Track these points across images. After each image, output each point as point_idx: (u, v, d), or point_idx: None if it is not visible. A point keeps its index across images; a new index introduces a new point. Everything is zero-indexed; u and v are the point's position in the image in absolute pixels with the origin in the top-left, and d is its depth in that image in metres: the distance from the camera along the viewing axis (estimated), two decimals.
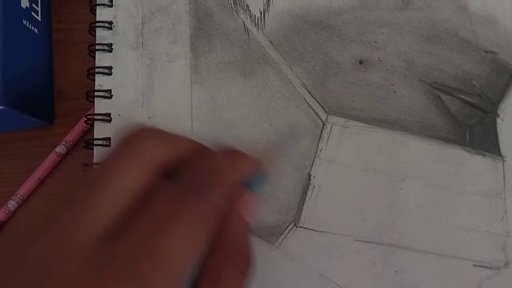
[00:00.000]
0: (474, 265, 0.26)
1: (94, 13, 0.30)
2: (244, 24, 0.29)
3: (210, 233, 0.17)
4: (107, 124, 0.28)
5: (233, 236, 0.20)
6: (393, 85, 0.28)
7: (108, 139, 0.28)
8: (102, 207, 0.16)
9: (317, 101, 0.28)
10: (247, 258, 0.20)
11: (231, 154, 0.21)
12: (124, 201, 0.16)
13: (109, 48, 0.29)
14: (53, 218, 0.16)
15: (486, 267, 0.26)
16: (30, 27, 0.30)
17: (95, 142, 0.27)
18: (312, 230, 0.26)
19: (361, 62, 0.29)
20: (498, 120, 0.28)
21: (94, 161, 0.27)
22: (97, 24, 0.29)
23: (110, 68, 0.29)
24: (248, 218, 0.21)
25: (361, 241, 0.26)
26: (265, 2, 0.30)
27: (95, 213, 0.16)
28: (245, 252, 0.20)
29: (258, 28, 0.29)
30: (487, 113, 0.28)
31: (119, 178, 0.17)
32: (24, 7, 0.30)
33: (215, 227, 0.18)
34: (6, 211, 0.30)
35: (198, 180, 0.18)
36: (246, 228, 0.21)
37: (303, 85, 0.28)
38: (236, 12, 0.30)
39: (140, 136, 0.18)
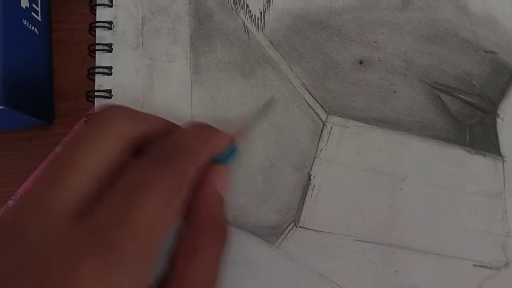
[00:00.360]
0: (474, 265, 0.26)
1: (94, 13, 0.30)
2: (244, 24, 0.29)
3: (182, 203, 0.17)
4: None
5: (207, 208, 0.20)
6: (393, 85, 0.28)
7: None
8: (73, 183, 0.16)
9: (317, 101, 0.28)
10: (223, 228, 0.20)
11: (202, 129, 0.21)
12: (94, 177, 0.16)
13: (109, 48, 0.29)
14: (27, 198, 0.16)
15: (486, 267, 0.26)
16: (30, 27, 0.30)
17: None
18: (312, 230, 0.26)
19: (361, 62, 0.29)
20: (498, 120, 0.28)
21: None
22: (97, 24, 0.29)
23: (110, 68, 0.29)
24: (222, 191, 0.21)
25: (361, 241, 0.26)
26: (265, 2, 0.30)
27: (67, 190, 0.16)
28: (221, 222, 0.20)
29: (258, 28, 0.29)
30: (487, 113, 0.28)
31: (89, 154, 0.17)
32: (24, 7, 0.30)
33: (187, 198, 0.18)
34: None
35: (168, 153, 0.18)
36: (221, 200, 0.21)
37: (303, 85, 0.28)
38: (236, 12, 0.30)
39: (108, 113, 0.19)
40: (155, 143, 0.19)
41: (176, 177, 0.17)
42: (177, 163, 0.18)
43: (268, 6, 0.30)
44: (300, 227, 0.27)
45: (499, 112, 0.28)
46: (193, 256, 0.18)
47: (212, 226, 0.20)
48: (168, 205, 0.16)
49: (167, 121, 0.21)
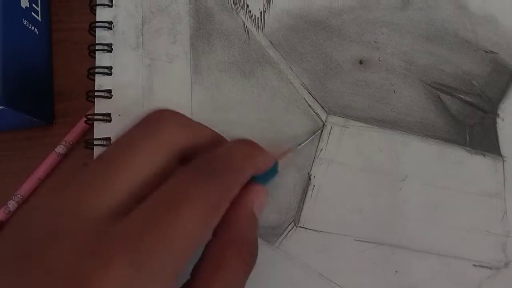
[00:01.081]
0: (474, 265, 0.26)
1: (94, 13, 0.30)
2: (244, 24, 0.29)
3: (220, 216, 0.17)
4: (107, 124, 0.28)
5: (240, 226, 0.19)
6: (393, 85, 0.28)
7: (108, 139, 0.28)
8: (118, 182, 0.16)
9: (317, 101, 0.28)
10: (253, 249, 0.20)
11: (249, 146, 0.21)
12: (140, 179, 0.16)
13: (109, 48, 0.29)
14: (70, 189, 0.16)
15: (486, 267, 0.26)
16: (30, 27, 0.30)
17: (95, 142, 0.27)
18: (312, 230, 0.26)
19: (361, 62, 0.29)
20: (498, 120, 0.28)
21: None
22: (97, 24, 0.29)
23: (110, 68, 0.29)
24: (258, 211, 0.20)
25: (361, 241, 0.26)
26: (265, 2, 0.30)
27: (111, 187, 0.16)
28: (251, 242, 0.20)
29: (258, 28, 0.29)
30: (487, 113, 0.28)
31: (138, 157, 0.17)
32: (24, 7, 0.30)
33: (223, 213, 0.18)
34: (6, 211, 0.30)
35: (214, 165, 0.18)
36: (255, 220, 0.20)
37: (303, 85, 0.28)
38: (236, 12, 0.30)
39: (161, 117, 0.18)
40: (202, 154, 0.18)
41: (220, 190, 0.17)
42: (222, 176, 0.17)
43: (268, 6, 0.30)
44: (300, 227, 0.27)
45: (499, 112, 0.28)
46: (217, 270, 0.18)
47: (241, 244, 0.19)
48: (208, 218, 0.16)
49: (216, 133, 0.21)
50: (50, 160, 0.31)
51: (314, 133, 0.28)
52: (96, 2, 0.30)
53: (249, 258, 0.19)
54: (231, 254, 0.19)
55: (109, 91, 0.28)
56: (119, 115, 0.28)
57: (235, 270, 0.18)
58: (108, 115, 0.28)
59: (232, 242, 0.19)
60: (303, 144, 0.27)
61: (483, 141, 0.28)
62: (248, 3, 0.30)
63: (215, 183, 0.17)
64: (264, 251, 0.26)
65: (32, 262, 0.14)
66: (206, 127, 0.20)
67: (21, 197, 0.30)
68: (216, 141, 0.20)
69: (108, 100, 0.28)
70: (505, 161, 0.27)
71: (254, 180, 0.21)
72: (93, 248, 0.14)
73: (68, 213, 0.15)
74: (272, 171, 0.22)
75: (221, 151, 0.19)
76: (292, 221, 0.27)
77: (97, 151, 0.27)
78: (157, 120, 0.18)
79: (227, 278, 0.18)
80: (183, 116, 0.19)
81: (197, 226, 0.16)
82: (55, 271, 0.14)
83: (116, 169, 0.16)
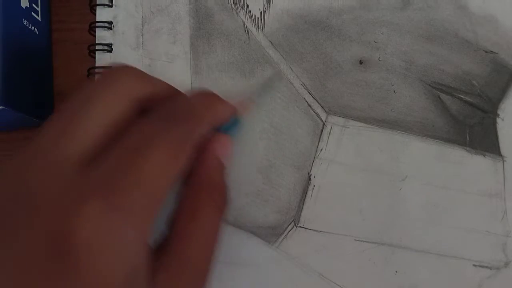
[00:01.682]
0: (474, 265, 0.26)
1: (94, 13, 0.30)
2: (244, 24, 0.29)
3: (186, 162, 0.18)
4: None
5: (208, 173, 0.20)
6: (393, 85, 0.28)
7: None
8: (80, 134, 0.16)
9: (317, 101, 0.28)
10: (223, 192, 0.21)
11: (207, 96, 0.21)
12: (101, 130, 0.17)
13: (109, 48, 0.29)
14: (34, 144, 0.16)
15: (486, 267, 0.26)
16: (30, 27, 0.30)
17: None
18: (312, 230, 0.26)
19: (361, 62, 0.29)
20: (498, 120, 0.28)
21: None
22: (97, 24, 0.29)
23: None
24: (223, 158, 0.21)
25: (361, 241, 0.26)
26: (265, 2, 0.30)
27: (73, 139, 0.16)
28: (220, 187, 0.21)
29: (258, 28, 0.29)
30: (487, 113, 0.28)
31: (98, 108, 0.17)
32: (24, 7, 0.30)
33: (190, 160, 0.18)
34: None
35: (174, 113, 0.19)
36: (221, 166, 0.21)
37: (303, 85, 0.28)
38: (236, 12, 0.30)
39: (118, 71, 0.19)
40: (161, 104, 0.19)
41: (182, 133, 0.18)
42: (183, 123, 0.18)
43: (268, 6, 0.30)
44: (300, 227, 0.27)
45: (499, 112, 0.28)
46: (192, 219, 0.19)
47: (211, 190, 0.20)
48: (173, 158, 0.17)
49: (173, 87, 0.22)
50: None
51: (314, 133, 0.28)
52: (96, 2, 0.30)
53: (220, 201, 0.20)
54: (202, 199, 0.19)
55: None
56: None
57: (209, 215, 0.19)
58: None
59: (202, 188, 0.20)
60: (262, 96, 0.27)
61: (483, 141, 0.28)
62: (248, 3, 0.30)
63: (177, 129, 0.18)
64: (264, 251, 0.26)
65: (11, 222, 0.15)
66: (164, 81, 0.21)
67: None
68: (174, 94, 0.21)
69: None
70: (505, 161, 0.27)
71: (221, 131, 0.21)
72: (69, 195, 0.15)
73: (37, 163, 0.16)
74: (235, 123, 0.23)
75: (181, 100, 0.20)
76: (292, 221, 0.27)
77: None
78: (116, 73, 0.19)
79: (202, 225, 0.19)
80: (139, 70, 0.20)
81: (164, 169, 0.16)
82: (36, 227, 0.14)
83: (79, 119, 0.17)
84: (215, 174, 0.21)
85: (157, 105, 0.19)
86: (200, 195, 0.19)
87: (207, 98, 0.21)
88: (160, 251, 0.18)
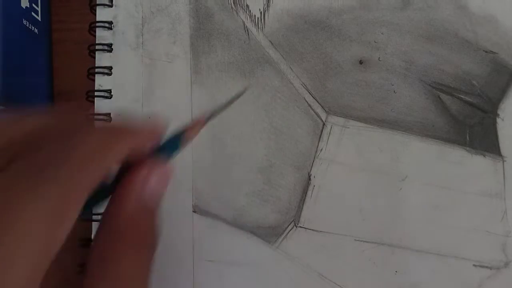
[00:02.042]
0: (474, 265, 0.26)
1: (94, 13, 0.30)
2: (244, 24, 0.29)
3: (67, 226, 0.14)
4: None
5: (128, 213, 0.17)
6: (393, 85, 0.28)
7: None
8: None
9: (317, 101, 0.28)
10: (147, 239, 0.17)
11: (108, 134, 0.17)
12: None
13: (109, 48, 0.29)
14: None
15: (486, 267, 0.26)
16: (30, 27, 0.30)
17: None
18: (312, 230, 0.26)
19: (361, 62, 0.29)
20: (498, 120, 0.28)
21: None
22: (97, 24, 0.29)
23: (110, 68, 0.29)
24: (154, 192, 0.17)
25: (361, 241, 0.26)
26: (265, 2, 0.30)
27: None
28: (144, 231, 0.17)
29: (258, 28, 0.29)
30: (487, 113, 0.28)
31: None
32: (24, 7, 0.30)
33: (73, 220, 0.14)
34: None
35: (45, 162, 0.14)
36: (148, 204, 0.17)
37: (303, 85, 0.28)
38: (236, 12, 0.30)
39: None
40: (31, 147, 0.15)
41: (58, 193, 0.13)
42: (60, 176, 0.14)
43: (268, 6, 0.30)
44: (300, 227, 0.27)
45: (499, 112, 0.28)
46: (106, 268, 0.16)
47: (132, 235, 0.16)
48: (49, 231, 0.13)
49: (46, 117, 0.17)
50: None
51: (314, 133, 0.28)
52: (96, 2, 0.30)
53: (143, 250, 0.17)
54: (120, 249, 0.16)
55: (109, 91, 0.28)
56: (119, 115, 0.28)
57: (127, 266, 0.16)
58: (108, 115, 0.28)
59: (120, 235, 0.16)
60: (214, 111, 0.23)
61: (483, 141, 0.28)
62: (248, 3, 0.30)
63: (50, 186, 0.13)
64: (264, 251, 0.26)
65: None
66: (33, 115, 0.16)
67: None
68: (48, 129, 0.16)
69: (108, 100, 0.28)
70: (505, 161, 0.27)
71: (155, 154, 0.18)
72: None
73: None
74: (174, 145, 0.19)
75: (57, 143, 0.15)
76: (292, 221, 0.27)
77: None
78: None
79: (118, 275, 0.16)
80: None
81: (36, 248, 0.13)
82: None
83: None
84: (137, 215, 0.17)
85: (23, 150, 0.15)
86: (119, 243, 0.16)
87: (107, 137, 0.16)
88: None
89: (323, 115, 0.28)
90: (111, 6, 0.30)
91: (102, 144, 0.15)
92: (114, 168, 0.17)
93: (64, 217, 0.13)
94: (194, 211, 0.27)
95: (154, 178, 0.17)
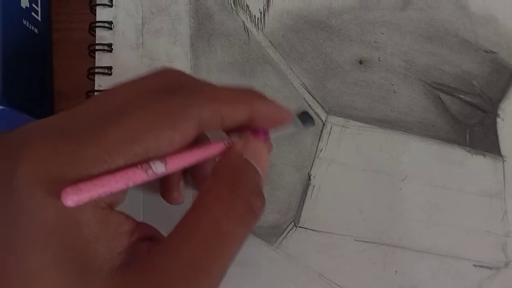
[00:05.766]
0: (474, 265, 0.26)
1: (94, 13, 0.30)
2: (244, 24, 0.29)
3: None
4: None
5: (230, 172, 0.18)
6: (393, 85, 0.28)
7: None
8: None
9: (317, 101, 0.28)
10: (249, 199, 0.17)
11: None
12: None
13: (109, 48, 0.29)
14: None
15: (486, 267, 0.26)
16: (30, 27, 0.30)
17: None
18: (312, 230, 0.26)
19: (361, 62, 0.29)
20: (498, 120, 0.28)
21: None
22: (97, 24, 0.29)
23: (110, 68, 0.29)
24: (252, 157, 0.18)
25: (361, 241, 0.26)
26: (265, 2, 0.30)
27: None
28: (248, 191, 0.18)
29: (258, 28, 0.29)
30: (487, 113, 0.28)
31: None
32: (24, 7, 0.30)
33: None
34: None
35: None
36: (248, 166, 0.18)
37: (303, 85, 0.28)
38: (236, 13, 0.30)
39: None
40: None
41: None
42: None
43: (268, 6, 0.30)
44: (300, 227, 0.27)
45: (499, 112, 0.28)
46: (197, 217, 0.17)
47: (234, 196, 0.17)
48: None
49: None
50: None
51: (314, 133, 0.28)
52: (96, 2, 0.30)
53: (247, 213, 0.17)
54: (221, 213, 0.16)
55: None
56: None
57: (228, 233, 0.16)
58: None
59: (221, 198, 0.16)
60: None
61: (483, 141, 0.28)
62: (248, 3, 0.30)
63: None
64: (264, 251, 0.26)
65: None
66: None
67: None
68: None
69: None
70: (505, 161, 0.27)
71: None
72: None
73: None
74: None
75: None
76: (292, 221, 0.27)
77: None
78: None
79: (207, 223, 0.16)
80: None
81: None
82: None
83: None
84: (239, 175, 0.18)
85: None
86: (219, 207, 0.17)
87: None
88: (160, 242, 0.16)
89: (323, 115, 0.28)
90: (111, 6, 0.30)
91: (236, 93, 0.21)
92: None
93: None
94: None
95: (256, 143, 0.19)
